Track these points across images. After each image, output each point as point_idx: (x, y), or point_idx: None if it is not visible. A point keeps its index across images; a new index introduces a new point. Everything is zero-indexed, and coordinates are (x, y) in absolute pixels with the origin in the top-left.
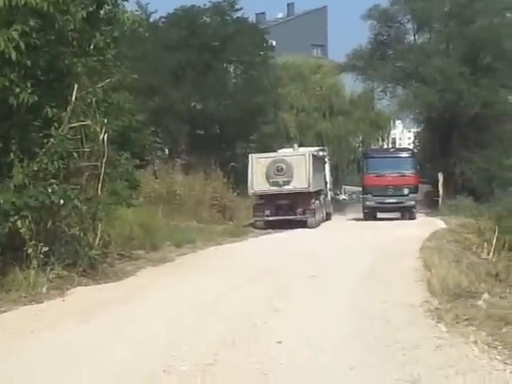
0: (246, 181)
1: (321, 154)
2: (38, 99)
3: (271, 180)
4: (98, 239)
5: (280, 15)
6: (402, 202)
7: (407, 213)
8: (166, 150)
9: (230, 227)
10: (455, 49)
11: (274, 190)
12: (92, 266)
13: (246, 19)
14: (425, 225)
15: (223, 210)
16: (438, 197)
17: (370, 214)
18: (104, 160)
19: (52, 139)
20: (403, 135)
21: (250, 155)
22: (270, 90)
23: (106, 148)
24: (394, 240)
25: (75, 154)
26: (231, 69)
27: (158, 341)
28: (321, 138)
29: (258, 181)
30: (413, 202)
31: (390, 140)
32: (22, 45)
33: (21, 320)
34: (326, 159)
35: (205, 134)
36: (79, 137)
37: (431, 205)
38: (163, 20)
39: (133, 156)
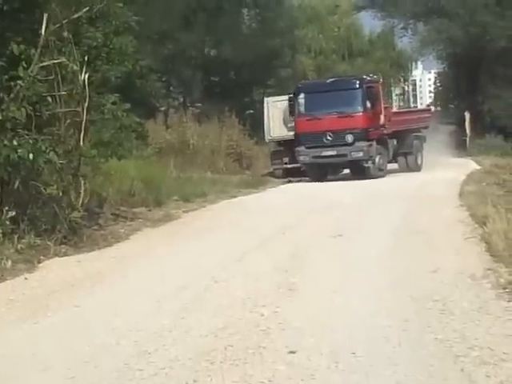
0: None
1: None
2: (1, 33)
3: (289, 125)
4: (81, 199)
5: None
6: (344, 155)
7: (358, 169)
8: (180, 99)
9: (247, 177)
10: None
11: (293, 135)
12: (74, 231)
13: None
14: (456, 166)
15: (240, 159)
16: (466, 137)
17: (314, 172)
18: (86, 105)
19: (20, 81)
20: (423, 76)
21: (264, 99)
22: (287, 33)
23: (87, 91)
24: (426, 183)
25: (49, 99)
26: (245, 11)
27: (123, 351)
28: None
29: (274, 126)
30: (360, 154)
31: (410, 81)
32: None
33: None
34: None
35: (219, 81)
36: (52, 77)
37: (458, 145)
38: None
39: (138, 104)
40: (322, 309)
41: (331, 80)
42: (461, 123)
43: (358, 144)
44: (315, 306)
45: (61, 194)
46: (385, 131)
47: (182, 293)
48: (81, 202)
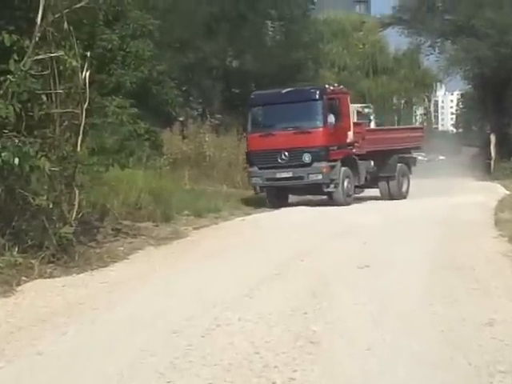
0: None
1: (366, 110)
2: None
3: None
4: (74, 211)
5: None
6: (300, 178)
7: (322, 194)
8: (199, 110)
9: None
10: None
11: None
12: (64, 248)
13: None
14: (484, 190)
15: None
16: (490, 159)
17: (273, 197)
18: (85, 106)
19: (10, 76)
20: (445, 98)
21: None
22: (311, 46)
23: (88, 90)
24: (457, 208)
25: (44, 97)
26: (269, 22)
27: None
28: (363, 97)
29: None
30: (319, 177)
31: (433, 102)
32: None
33: None
34: (372, 117)
35: (240, 93)
36: (48, 72)
37: (482, 168)
38: None
39: (154, 112)
40: (355, 376)
41: (287, 90)
42: (485, 145)
43: (316, 165)
44: (345, 370)
45: (51, 205)
46: (355, 151)
47: (172, 341)
48: (74, 215)
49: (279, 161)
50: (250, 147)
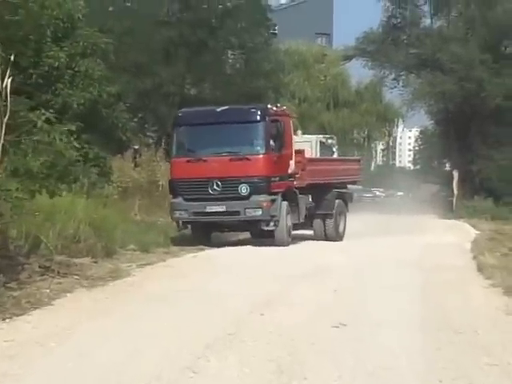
0: None
1: (329, 142)
2: None
3: None
4: None
5: (283, 0)
6: (236, 213)
7: (261, 231)
8: (155, 137)
9: None
10: (476, 34)
11: None
12: None
13: None
14: (453, 229)
15: None
16: (452, 197)
17: (198, 233)
18: (5, 120)
19: None
20: (404, 134)
21: None
22: (271, 75)
23: (8, 102)
24: (431, 251)
25: None
26: (229, 49)
27: None
28: (324, 130)
29: None
30: (258, 212)
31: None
32: None
33: None
34: (334, 149)
35: None
36: None
37: (444, 206)
38: None
39: (105, 137)
40: None
41: (222, 108)
42: (446, 182)
43: (255, 198)
44: None
45: None
46: (296, 183)
47: None
48: None
49: (210, 192)
50: (174, 174)
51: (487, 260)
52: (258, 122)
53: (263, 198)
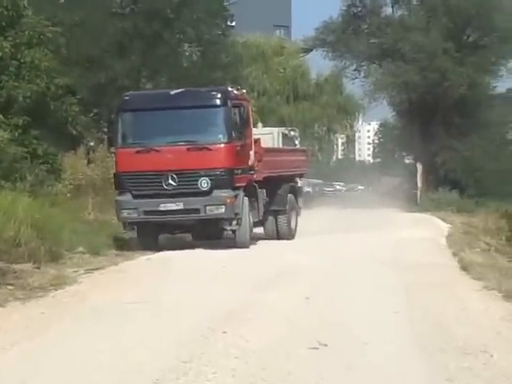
0: None
1: (292, 133)
2: None
3: None
4: None
5: None
6: (195, 211)
7: (215, 233)
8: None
9: None
10: (438, 23)
11: None
12: None
13: None
14: (423, 223)
15: None
16: (416, 190)
17: (144, 235)
18: None
19: None
20: (362, 128)
21: None
22: (229, 68)
23: None
24: (404, 246)
25: None
26: (185, 41)
27: None
28: (284, 123)
29: None
30: (221, 210)
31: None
32: None
33: None
34: (297, 142)
35: None
36: None
37: (407, 199)
38: None
39: (56, 132)
40: None
41: (177, 91)
42: (408, 175)
43: (217, 194)
44: None
45: None
46: (255, 176)
47: None
48: None
49: (164, 187)
50: (121, 167)
51: (469, 257)
52: (219, 106)
53: (226, 194)
